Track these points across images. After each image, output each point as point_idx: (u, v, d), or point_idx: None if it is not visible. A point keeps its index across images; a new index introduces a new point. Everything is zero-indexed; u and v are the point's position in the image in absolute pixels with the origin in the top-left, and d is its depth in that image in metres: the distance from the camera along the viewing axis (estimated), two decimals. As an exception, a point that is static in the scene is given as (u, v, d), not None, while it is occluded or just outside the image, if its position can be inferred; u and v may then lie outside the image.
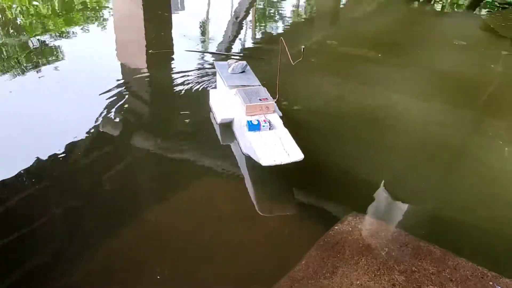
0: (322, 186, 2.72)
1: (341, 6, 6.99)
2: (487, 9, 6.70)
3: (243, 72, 3.41)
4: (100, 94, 3.53)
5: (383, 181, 2.76)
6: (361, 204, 2.56)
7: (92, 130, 3.10)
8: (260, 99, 3.05)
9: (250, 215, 2.43)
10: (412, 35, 5.42)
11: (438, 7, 6.95)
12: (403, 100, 3.77)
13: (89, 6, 5.72)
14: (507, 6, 6.80)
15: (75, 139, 2.98)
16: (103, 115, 3.28)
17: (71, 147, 2.90)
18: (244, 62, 3.44)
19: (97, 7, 5.73)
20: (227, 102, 3.25)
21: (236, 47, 4.87)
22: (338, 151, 3.06)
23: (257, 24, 5.83)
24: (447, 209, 2.57)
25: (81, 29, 5.00)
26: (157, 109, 3.61)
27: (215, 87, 3.68)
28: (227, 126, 3.21)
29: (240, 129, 3.01)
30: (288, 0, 6.90)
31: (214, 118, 3.26)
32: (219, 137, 3.18)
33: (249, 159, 2.78)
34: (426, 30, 5.63)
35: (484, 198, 2.68)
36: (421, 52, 4.81)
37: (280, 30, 5.62)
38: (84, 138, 3.02)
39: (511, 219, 2.52)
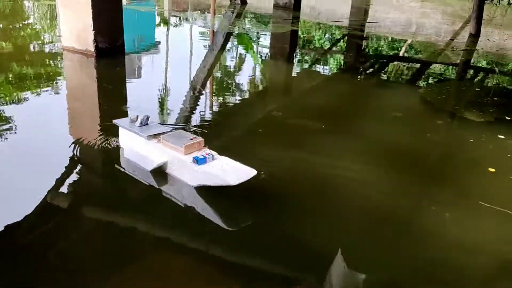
0: (270, 255, 2.83)
1: (292, 77, 7.42)
2: (424, 82, 7.30)
3: (147, 123, 3.79)
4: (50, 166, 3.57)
5: (338, 251, 2.89)
6: (309, 273, 2.68)
7: (40, 203, 3.11)
8: (191, 139, 3.59)
9: None
10: (354, 106, 5.81)
11: (382, 78, 7.50)
12: (347, 169, 3.98)
13: (43, 76, 5.86)
14: (442, 79, 7.45)
15: (22, 212, 2.99)
16: (52, 187, 3.32)
17: (17, 221, 2.90)
18: (147, 114, 3.84)
19: (50, 77, 5.86)
20: (151, 150, 3.64)
21: (194, 119, 5.02)
22: (284, 219, 3.20)
23: (213, 95, 6.10)
24: (392, 278, 2.71)
25: (34, 97, 5.06)
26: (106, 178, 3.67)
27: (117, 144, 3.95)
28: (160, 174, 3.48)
29: (182, 167, 3.50)
30: (242, 72, 7.30)
31: (140, 167, 3.63)
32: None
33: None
34: (368, 101, 6.04)
35: (428, 265, 2.84)
36: (363, 123, 5.15)
37: (236, 101, 5.91)
38: (32, 210, 3.03)
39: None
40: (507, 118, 5.45)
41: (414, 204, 3.62)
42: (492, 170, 4.12)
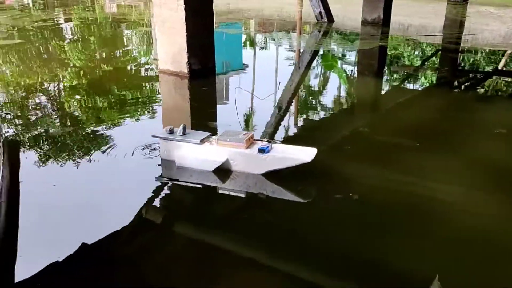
0: (363, 278, 2.74)
1: (381, 93, 7.19)
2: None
3: (186, 132, 4.03)
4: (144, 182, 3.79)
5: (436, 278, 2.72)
6: None
7: (135, 218, 3.30)
8: (243, 135, 3.94)
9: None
10: (450, 122, 5.45)
11: (480, 92, 7.00)
12: (444, 190, 3.75)
13: (140, 100, 6.29)
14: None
15: (118, 227, 3.19)
16: (147, 202, 3.50)
17: (114, 235, 3.10)
18: (183, 124, 4.05)
19: (147, 101, 6.28)
20: (207, 153, 3.92)
21: (279, 135, 5.08)
22: (379, 243, 3.08)
23: (298, 114, 6.10)
24: None
25: (132, 120, 5.43)
26: (199, 196, 3.80)
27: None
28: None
29: (246, 160, 3.86)
30: (330, 90, 7.23)
31: (199, 169, 3.92)
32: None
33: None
34: (466, 117, 5.65)
35: None
36: (461, 140, 4.82)
37: (320, 117, 5.86)
38: (127, 225, 3.22)
39: None
40: None
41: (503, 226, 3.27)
42: None
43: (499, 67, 8.67)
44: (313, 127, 5.40)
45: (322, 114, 6.06)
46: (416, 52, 9.95)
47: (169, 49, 6.91)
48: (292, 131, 5.35)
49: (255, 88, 7.08)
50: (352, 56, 9.53)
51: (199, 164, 3.94)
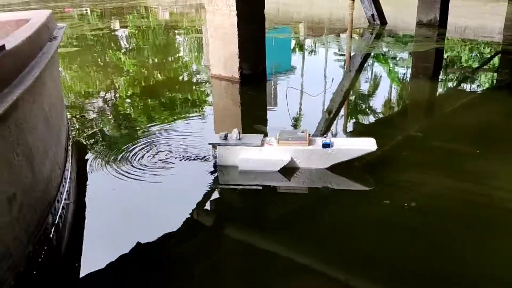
0: None
1: (436, 97, 6.95)
2: None
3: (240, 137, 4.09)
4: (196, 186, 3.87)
5: None
6: None
7: (188, 221, 3.38)
8: (302, 132, 4.08)
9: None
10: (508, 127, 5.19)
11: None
12: (507, 200, 3.58)
13: (190, 99, 6.42)
14: None
15: (171, 229, 3.27)
16: (198, 206, 3.58)
17: (166, 236, 3.19)
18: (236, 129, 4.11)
19: (197, 102, 6.39)
20: (270, 154, 4.03)
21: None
22: (447, 255, 3.00)
23: (348, 118, 6.01)
24: None
25: (184, 121, 5.56)
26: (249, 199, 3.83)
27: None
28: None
29: (310, 156, 4.00)
30: (380, 93, 7.07)
31: (264, 170, 4.00)
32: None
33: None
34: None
35: None
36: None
37: (373, 122, 5.75)
38: (179, 227, 3.30)
39: None
40: None
41: None
42: None
43: None
44: (364, 132, 5.29)
45: (373, 118, 5.94)
46: (475, 54, 9.53)
47: (221, 54, 7.02)
48: (342, 136, 5.26)
49: (307, 89, 7.07)
50: (405, 59, 9.28)
51: (263, 165, 4.02)
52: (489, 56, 9.45)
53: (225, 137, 4.09)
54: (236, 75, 6.86)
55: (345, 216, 3.46)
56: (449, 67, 8.56)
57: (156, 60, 9.42)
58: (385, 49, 9.94)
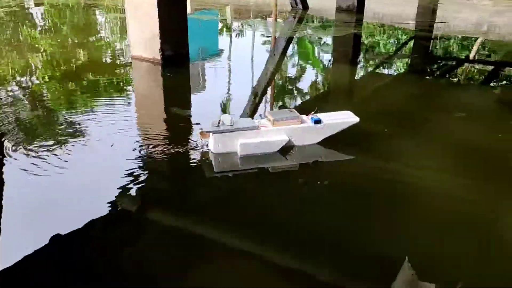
0: (340, 263, 2.81)
1: (355, 80, 7.27)
2: (499, 83, 6.85)
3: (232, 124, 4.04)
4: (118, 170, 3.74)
5: (405, 260, 2.79)
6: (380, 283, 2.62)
7: (110, 207, 3.27)
8: (290, 111, 4.23)
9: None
10: (420, 109, 5.57)
11: (452, 79, 7.14)
12: (417, 174, 3.84)
13: (114, 82, 6.19)
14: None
15: (92, 217, 3.15)
16: (122, 191, 3.46)
17: (87, 226, 3.07)
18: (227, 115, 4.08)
19: (118, 84, 6.17)
20: (268, 135, 4.07)
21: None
22: (359, 228, 3.16)
23: (275, 101, 6.11)
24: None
25: (106, 104, 5.34)
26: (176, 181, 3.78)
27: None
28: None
29: (303, 134, 4.17)
30: (303, 76, 7.26)
31: (264, 153, 4.04)
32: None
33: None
34: (435, 103, 5.76)
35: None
36: (429, 125, 4.92)
37: (296, 104, 5.89)
38: (102, 215, 3.18)
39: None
40: None
41: (493, 210, 3.38)
42: None
43: (471, 55, 8.85)
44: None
45: (297, 101, 6.09)
46: (391, 40, 10.06)
47: (142, 35, 6.80)
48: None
49: (232, 75, 7.07)
50: (327, 43, 9.58)
51: (263, 148, 4.05)
52: (403, 41, 10.02)
53: (221, 122, 3.97)
54: (158, 56, 6.69)
55: (271, 196, 3.55)
56: (367, 52, 8.97)
57: (76, 40, 8.91)
58: (307, 33, 10.18)
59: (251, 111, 5.46)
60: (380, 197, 3.55)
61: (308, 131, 4.18)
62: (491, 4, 13.51)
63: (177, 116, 4.90)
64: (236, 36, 10.25)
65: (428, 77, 7.28)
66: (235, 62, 7.81)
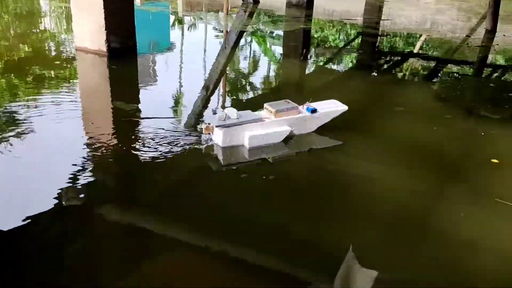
0: (279, 253, 2.83)
1: (305, 75, 7.38)
2: (439, 79, 7.19)
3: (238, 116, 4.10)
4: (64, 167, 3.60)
5: (350, 250, 2.86)
6: (326, 273, 2.68)
7: (55, 204, 3.15)
8: (288, 102, 4.34)
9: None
10: (364, 103, 5.71)
11: (399, 76, 7.40)
12: (361, 167, 3.97)
13: (57, 76, 5.94)
14: (458, 75, 7.33)
15: (37, 214, 3.03)
16: (68, 187, 3.34)
17: (32, 222, 2.94)
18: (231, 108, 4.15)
19: (64, 77, 5.93)
20: (272, 127, 4.19)
21: (206, 117, 5.00)
22: (308, 220, 3.21)
23: (227, 94, 6.09)
24: (417, 280, 2.66)
25: (51, 99, 5.12)
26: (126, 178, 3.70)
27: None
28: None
29: (302, 123, 4.35)
30: (257, 70, 7.29)
31: (269, 144, 4.16)
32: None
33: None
34: (378, 98, 5.94)
35: (449, 266, 2.80)
36: (370, 119, 5.07)
37: (248, 99, 5.90)
38: (46, 212, 3.06)
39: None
40: (525, 114, 5.33)
41: (426, 201, 3.55)
42: (496, 160, 4.08)
43: (415, 51, 9.21)
44: (240, 108, 5.41)
45: (249, 94, 6.10)
46: (340, 35, 10.28)
47: (87, 26, 6.55)
48: (221, 111, 5.31)
49: (184, 67, 6.97)
50: (277, 37, 9.65)
51: (266, 140, 4.15)
52: (351, 37, 10.27)
53: (227, 116, 3.97)
54: (104, 48, 6.47)
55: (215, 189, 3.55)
56: (317, 47, 9.12)
57: (18, 30, 8.46)
58: (257, 28, 10.22)
59: (203, 104, 5.41)
60: (323, 188, 3.64)
61: (307, 120, 4.36)
62: (433, 2, 14.11)
63: (121, 111, 4.76)
64: (188, 29, 10.12)
65: (374, 72, 7.51)
66: (186, 55, 7.71)
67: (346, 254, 2.82)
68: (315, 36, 10.00)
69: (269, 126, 4.17)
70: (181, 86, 6.08)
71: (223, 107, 5.49)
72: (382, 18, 12.05)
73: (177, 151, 3.94)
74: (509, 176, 3.93)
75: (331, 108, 4.50)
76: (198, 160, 3.91)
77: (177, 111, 5.17)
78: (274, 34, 9.83)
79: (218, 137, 4.04)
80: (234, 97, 5.92)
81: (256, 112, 4.28)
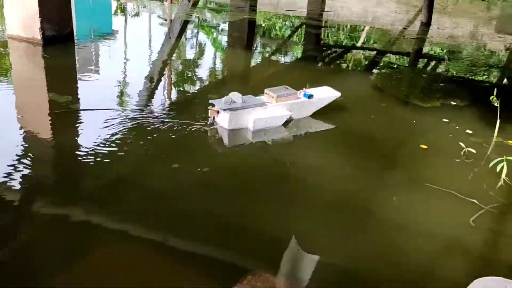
0: (223, 242, 2.85)
1: (248, 65, 7.42)
2: (377, 69, 7.47)
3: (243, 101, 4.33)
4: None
5: (293, 237, 2.90)
6: (264, 262, 2.70)
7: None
8: (286, 88, 4.61)
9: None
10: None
11: (343, 67, 7.61)
12: (301, 156, 4.06)
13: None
14: (394, 66, 7.66)
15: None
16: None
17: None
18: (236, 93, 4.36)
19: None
20: (273, 112, 4.42)
21: (151, 108, 4.90)
22: (244, 208, 3.23)
23: (172, 85, 5.99)
24: (354, 264, 2.76)
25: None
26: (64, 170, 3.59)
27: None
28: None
29: (300, 108, 4.60)
30: (202, 60, 7.23)
31: (271, 127, 4.41)
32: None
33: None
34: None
35: (385, 250, 2.91)
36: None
37: (194, 90, 5.85)
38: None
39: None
40: (453, 103, 5.65)
41: (362, 187, 3.69)
42: (425, 146, 4.32)
43: (359, 43, 9.49)
44: (185, 100, 5.37)
45: (195, 84, 6.04)
46: (284, 27, 10.40)
47: (20, 13, 6.21)
48: (163, 101, 5.24)
49: (127, 57, 6.79)
50: (221, 28, 9.62)
51: (268, 124, 4.37)
52: (295, 28, 10.43)
53: (233, 101, 4.21)
54: (38, 36, 6.17)
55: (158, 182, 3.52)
56: (261, 38, 9.18)
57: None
58: (201, 17, 10.13)
59: (148, 94, 5.31)
60: (265, 176, 3.70)
61: (305, 105, 4.60)
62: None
63: (53, 103, 4.58)
64: (131, 17, 9.86)
65: (318, 63, 7.68)
66: (129, 44, 7.52)
67: (287, 241, 2.88)
68: (262, 26, 10.05)
69: (271, 110, 4.40)
70: (123, 76, 5.93)
71: (169, 97, 5.42)
72: (325, 9, 12.30)
73: (116, 143, 3.86)
74: (435, 160, 4.17)
75: (326, 94, 4.79)
76: (138, 152, 3.84)
77: (119, 103, 5.04)
78: (218, 24, 9.79)
79: (223, 120, 4.22)
80: (179, 87, 5.85)
81: (258, 97, 4.51)
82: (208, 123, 4.30)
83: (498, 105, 4.25)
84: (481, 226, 3.20)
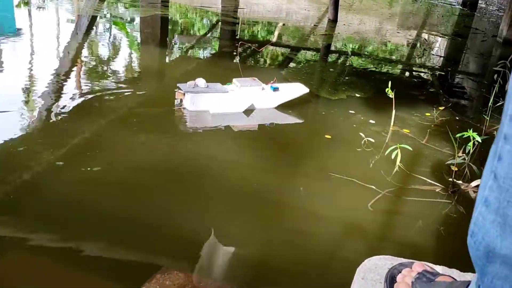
0: (132, 241, 2.84)
1: (161, 62, 7.35)
2: (287, 64, 7.77)
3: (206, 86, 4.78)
4: None
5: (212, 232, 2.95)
6: (173, 259, 2.72)
7: None
8: (254, 79, 5.07)
9: None
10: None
11: (253, 62, 7.78)
12: (211, 149, 4.14)
13: None
14: (303, 61, 8.00)
15: None
16: None
17: None
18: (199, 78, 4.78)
19: None
20: (235, 98, 4.83)
21: (58, 106, 4.69)
22: (156, 204, 3.23)
23: (81, 82, 5.76)
24: (265, 251, 2.89)
25: None
26: None
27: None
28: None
29: (263, 98, 4.97)
30: (121, 56, 7.03)
31: (231, 113, 4.81)
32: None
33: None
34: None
35: (293, 237, 3.07)
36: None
37: (103, 86, 5.66)
38: None
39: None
40: (357, 95, 6.07)
41: (273, 179, 3.87)
42: (329, 136, 4.61)
43: (273, 39, 9.75)
44: (97, 99, 5.19)
45: (104, 82, 5.84)
46: (198, 23, 10.39)
47: None
48: (71, 98, 5.02)
49: (34, 56, 6.40)
50: (132, 23, 9.39)
51: (229, 108, 4.77)
52: (211, 25, 10.46)
53: (196, 84, 4.67)
54: None
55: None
56: (178, 33, 9.10)
57: None
58: (110, 12, 9.82)
59: (55, 91, 5.07)
60: (176, 172, 3.74)
61: (268, 96, 4.96)
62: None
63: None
64: (37, 9, 9.27)
65: (233, 59, 7.79)
66: (35, 41, 7.08)
67: (201, 235, 2.93)
68: (173, 23, 9.95)
69: (232, 97, 4.79)
70: (30, 73, 5.59)
71: (80, 93, 5.21)
72: (239, 6, 12.47)
73: (17, 147, 3.67)
74: (336, 149, 4.48)
75: (292, 88, 5.16)
76: (39, 156, 3.69)
77: (24, 103, 4.77)
78: (128, 20, 9.54)
79: (187, 102, 4.67)
80: (89, 83, 5.64)
81: (225, 86, 4.91)
82: (175, 104, 4.73)
83: (393, 96, 4.64)
84: (378, 209, 3.51)
